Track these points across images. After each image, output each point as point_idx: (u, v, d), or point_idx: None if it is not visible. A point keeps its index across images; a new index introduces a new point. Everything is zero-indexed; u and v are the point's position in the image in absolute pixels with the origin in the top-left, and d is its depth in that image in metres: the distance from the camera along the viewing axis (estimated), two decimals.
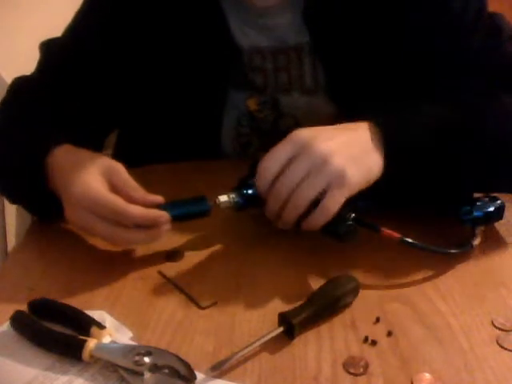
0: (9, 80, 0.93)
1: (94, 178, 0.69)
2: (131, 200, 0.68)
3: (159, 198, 0.71)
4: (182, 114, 0.92)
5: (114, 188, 0.70)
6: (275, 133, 0.92)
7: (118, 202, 0.67)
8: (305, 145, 0.68)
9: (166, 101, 0.92)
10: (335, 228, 0.70)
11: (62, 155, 0.75)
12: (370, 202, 0.75)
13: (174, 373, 0.55)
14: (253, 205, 0.74)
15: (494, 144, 0.76)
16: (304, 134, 0.70)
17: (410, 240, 0.70)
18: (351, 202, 0.71)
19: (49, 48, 0.92)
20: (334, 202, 0.68)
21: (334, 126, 0.73)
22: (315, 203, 0.68)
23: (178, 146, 0.92)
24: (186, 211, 0.73)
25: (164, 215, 0.69)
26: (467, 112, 0.78)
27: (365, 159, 0.70)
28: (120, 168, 0.72)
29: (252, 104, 0.92)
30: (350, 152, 0.69)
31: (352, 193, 0.69)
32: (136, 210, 0.67)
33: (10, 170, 0.79)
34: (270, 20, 0.88)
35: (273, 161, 0.69)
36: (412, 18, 0.85)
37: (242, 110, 0.93)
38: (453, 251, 0.73)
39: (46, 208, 0.78)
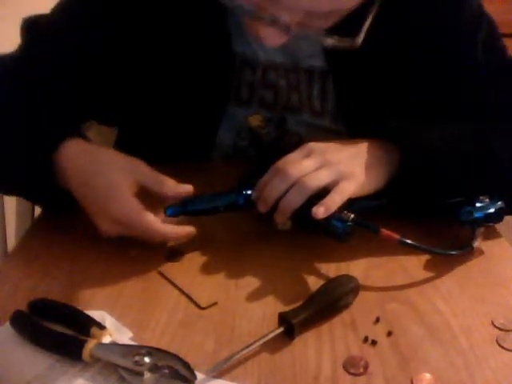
0: None
1: (125, 190, 0.70)
2: (164, 196, 0.72)
3: (189, 188, 0.73)
4: (180, 119, 0.90)
5: (143, 186, 0.72)
6: (276, 148, 0.92)
7: (153, 225, 0.70)
8: (317, 151, 0.73)
9: (166, 104, 0.90)
10: (334, 228, 0.70)
11: (74, 152, 0.73)
12: (369, 203, 0.76)
13: (174, 373, 0.55)
14: (253, 205, 0.75)
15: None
16: (317, 144, 0.75)
17: (408, 241, 0.70)
18: (350, 203, 0.71)
19: (36, 27, 0.85)
20: (343, 191, 0.70)
21: (343, 141, 0.77)
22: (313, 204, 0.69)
23: (175, 148, 0.91)
24: (216, 205, 0.75)
25: (192, 231, 0.73)
26: (476, 130, 0.81)
27: (372, 168, 0.74)
28: (142, 165, 0.73)
29: (254, 120, 0.91)
30: (358, 161, 0.74)
31: (358, 190, 0.72)
32: (169, 230, 0.71)
33: (9, 163, 0.76)
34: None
35: (288, 161, 0.73)
36: (428, 66, 0.85)
37: (243, 125, 0.92)
38: (453, 253, 0.73)
39: (51, 200, 0.77)
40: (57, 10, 0.87)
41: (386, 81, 0.85)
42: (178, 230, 0.72)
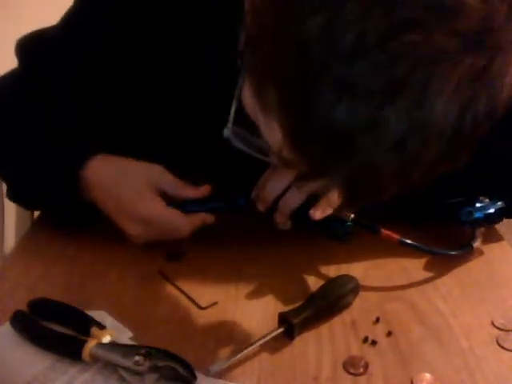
0: None
1: (149, 191, 0.72)
2: (186, 199, 0.74)
3: (207, 188, 0.74)
4: (182, 136, 0.88)
5: (163, 191, 0.73)
6: None
7: (179, 216, 0.72)
8: None
9: (166, 126, 0.86)
10: (334, 228, 0.70)
11: (98, 164, 0.74)
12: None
13: (174, 373, 0.55)
14: (253, 205, 0.75)
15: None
16: None
17: (408, 241, 0.70)
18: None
19: (36, 45, 0.82)
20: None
21: None
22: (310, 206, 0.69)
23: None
24: (216, 205, 0.75)
25: (209, 218, 0.74)
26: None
27: None
28: (162, 171, 0.74)
29: None
30: None
31: None
32: (190, 226, 0.73)
33: (37, 179, 0.77)
34: None
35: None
36: None
37: None
38: (453, 253, 0.73)
39: (75, 211, 0.76)
40: (60, 26, 0.82)
41: None
42: (203, 216, 0.73)
